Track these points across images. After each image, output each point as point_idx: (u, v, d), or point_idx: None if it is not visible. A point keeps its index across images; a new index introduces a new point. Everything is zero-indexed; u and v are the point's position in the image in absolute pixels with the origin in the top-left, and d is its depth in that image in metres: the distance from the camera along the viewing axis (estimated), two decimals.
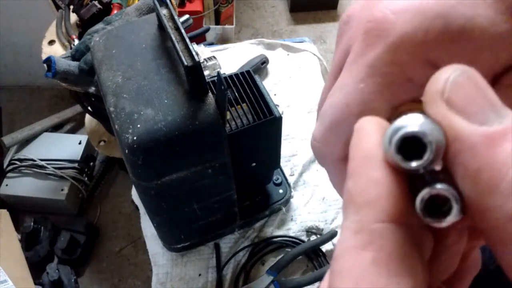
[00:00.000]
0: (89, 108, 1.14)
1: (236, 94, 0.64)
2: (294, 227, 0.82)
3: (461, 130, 0.15)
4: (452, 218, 0.15)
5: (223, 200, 0.68)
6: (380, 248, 0.14)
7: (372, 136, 0.17)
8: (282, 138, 0.69)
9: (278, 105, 0.67)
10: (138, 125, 0.50)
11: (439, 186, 0.15)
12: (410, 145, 0.15)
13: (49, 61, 0.80)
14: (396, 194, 0.15)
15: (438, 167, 0.16)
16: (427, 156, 0.15)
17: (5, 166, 1.56)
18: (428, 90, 0.16)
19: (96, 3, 1.02)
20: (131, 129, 0.50)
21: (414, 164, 0.15)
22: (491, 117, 0.14)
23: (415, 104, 0.18)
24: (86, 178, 1.60)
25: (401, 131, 0.15)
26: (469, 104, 0.15)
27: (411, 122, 0.15)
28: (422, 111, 0.16)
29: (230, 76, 0.64)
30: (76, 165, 1.56)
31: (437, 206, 0.15)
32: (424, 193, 0.15)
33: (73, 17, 1.08)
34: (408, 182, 0.16)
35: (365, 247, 0.15)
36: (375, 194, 0.15)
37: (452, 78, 0.15)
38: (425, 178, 0.15)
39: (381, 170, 0.16)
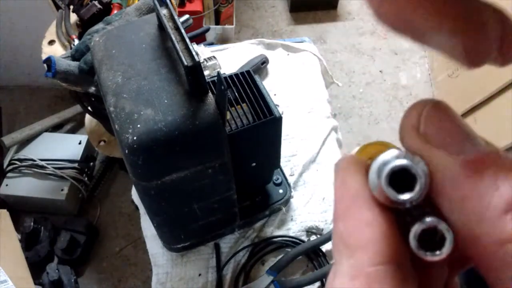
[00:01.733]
0: (89, 108, 1.14)
1: (236, 94, 0.63)
2: (294, 227, 0.82)
3: (441, 161, 0.15)
4: (447, 249, 0.15)
5: (223, 200, 0.68)
6: None
7: (357, 176, 0.16)
8: (282, 138, 0.69)
9: (278, 105, 0.67)
10: (138, 125, 0.50)
11: (428, 219, 0.15)
12: (397, 180, 0.15)
13: (49, 61, 0.80)
14: (388, 234, 0.15)
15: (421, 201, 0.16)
16: (418, 187, 0.15)
17: (5, 166, 1.56)
18: (403, 126, 0.16)
19: (96, 3, 1.02)
20: (131, 129, 0.50)
21: (406, 196, 0.15)
22: (467, 146, 0.15)
23: (382, 145, 0.19)
24: (86, 178, 1.60)
25: (389, 165, 0.15)
26: (445, 136, 0.15)
27: (395, 156, 0.15)
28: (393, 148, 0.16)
29: (230, 76, 0.64)
30: (76, 165, 1.56)
31: (427, 241, 0.15)
32: (416, 228, 0.15)
33: (73, 17, 1.08)
34: (396, 220, 0.16)
35: None
36: (369, 236, 0.15)
37: (425, 112, 0.16)
38: (412, 214, 0.15)
39: (371, 210, 0.16)
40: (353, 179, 0.16)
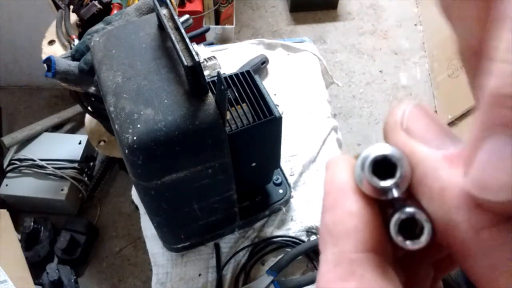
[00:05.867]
0: (89, 108, 1.14)
1: (236, 94, 0.63)
2: (294, 227, 0.82)
3: (422, 154, 0.16)
4: (426, 237, 0.15)
5: (223, 200, 0.67)
6: (361, 277, 0.15)
7: (344, 171, 0.18)
8: (282, 138, 0.69)
9: (278, 105, 0.67)
10: (138, 125, 0.50)
11: (408, 209, 0.16)
12: (380, 172, 0.16)
13: (49, 61, 0.80)
14: (371, 224, 0.16)
15: (403, 194, 0.16)
16: (399, 173, 0.16)
17: (5, 166, 1.56)
18: (387, 122, 0.17)
19: (96, 3, 1.02)
20: (131, 129, 0.50)
21: (389, 182, 0.16)
22: (446, 142, 0.16)
23: None
24: (86, 178, 1.60)
25: (371, 156, 0.16)
26: (426, 131, 0.16)
27: (378, 148, 0.16)
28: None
29: (230, 76, 0.64)
30: (76, 165, 1.56)
31: (409, 232, 0.16)
32: (396, 217, 0.16)
33: (73, 17, 1.08)
34: (380, 213, 0.17)
35: (347, 278, 0.15)
36: (353, 225, 0.16)
37: (408, 109, 0.17)
38: (394, 206, 0.16)
39: (356, 202, 0.17)
40: (340, 174, 0.18)
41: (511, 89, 0.12)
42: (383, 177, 0.16)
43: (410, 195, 0.16)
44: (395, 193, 0.16)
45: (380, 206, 0.17)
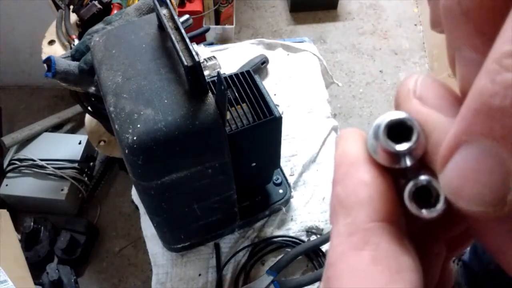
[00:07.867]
0: (89, 108, 1.14)
1: (236, 94, 0.63)
2: (294, 227, 0.82)
3: (437, 122, 0.15)
4: (441, 205, 0.15)
5: (223, 200, 0.68)
6: (377, 246, 0.15)
7: (356, 143, 0.17)
8: (282, 138, 0.69)
9: (278, 105, 0.67)
10: (138, 125, 0.50)
11: (423, 177, 0.15)
12: (393, 138, 0.16)
13: (49, 61, 0.80)
14: (385, 193, 0.16)
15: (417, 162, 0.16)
16: (415, 135, 0.15)
17: (5, 166, 1.56)
18: (399, 91, 0.17)
19: (96, 3, 1.02)
20: (131, 129, 0.50)
21: (405, 146, 0.15)
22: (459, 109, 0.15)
23: None
24: (86, 178, 1.60)
25: (386, 119, 0.16)
26: (440, 99, 0.16)
27: (392, 114, 0.16)
28: None
29: (230, 76, 0.64)
30: (76, 165, 1.56)
31: (423, 202, 0.15)
32: (411, 184, 0.15)
33: (73, 17, 1.08)
34: (393, 183, 0.16)
35: (362, 247, 0.15)
36: (366, 195, 0.16)
37: (420, 79, 0.16)
38: (408, 176, 0.16)
39: (369, 171, 0.16)
40: (351, 146, 0.17)
41: (503, 102, 0.11)
42: (398, 142, 0.16)
43: (423, 166, 0.16)
44: (409, 161, 0.16)
45: (393, 178, 0.16)
